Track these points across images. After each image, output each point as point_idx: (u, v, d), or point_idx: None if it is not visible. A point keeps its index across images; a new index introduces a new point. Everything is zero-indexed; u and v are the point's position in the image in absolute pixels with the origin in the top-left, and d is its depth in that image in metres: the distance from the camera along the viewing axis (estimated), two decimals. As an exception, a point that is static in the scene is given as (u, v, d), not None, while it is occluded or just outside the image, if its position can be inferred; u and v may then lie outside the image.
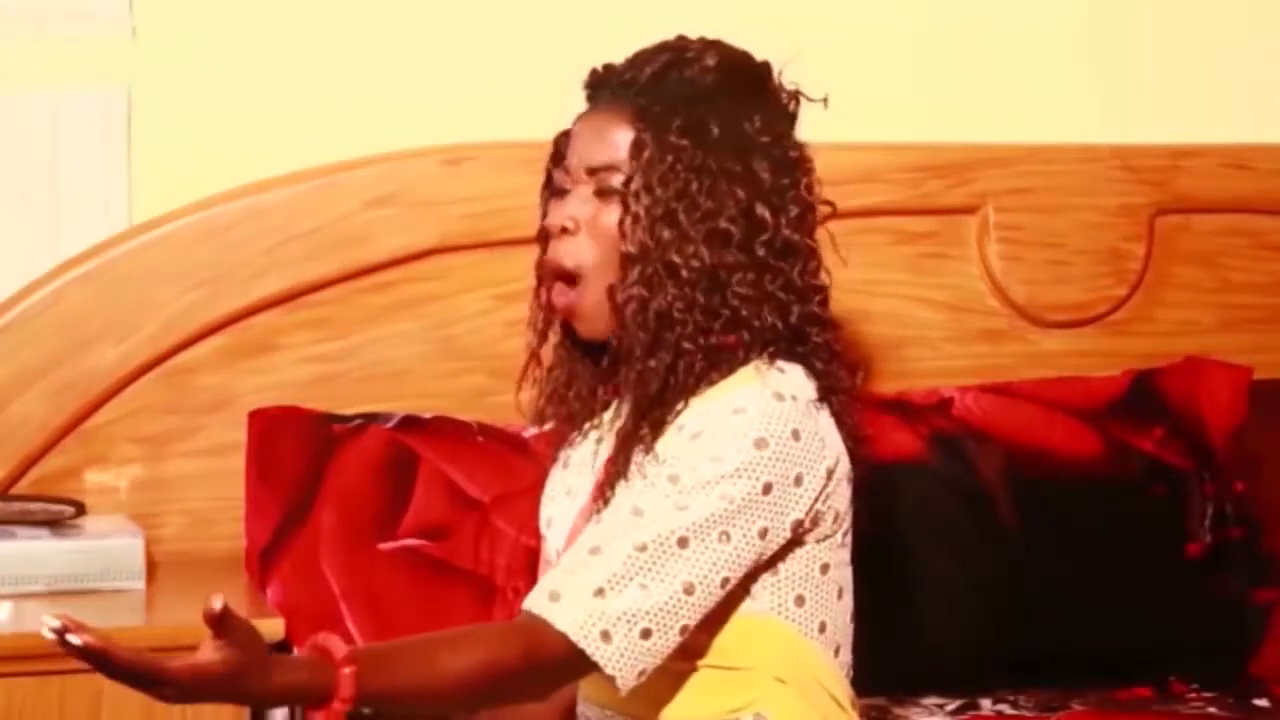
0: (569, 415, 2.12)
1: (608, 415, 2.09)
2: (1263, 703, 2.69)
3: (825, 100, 2.08)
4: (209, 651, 1.71)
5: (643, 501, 1.92)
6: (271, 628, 2.44)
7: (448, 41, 2.96)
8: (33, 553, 2.56)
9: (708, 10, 2.89)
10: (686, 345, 1.97)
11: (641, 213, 1.97)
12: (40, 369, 2.75)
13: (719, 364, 1.98)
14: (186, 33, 2.88)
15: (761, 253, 1.98)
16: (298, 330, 2.83)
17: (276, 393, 2.79)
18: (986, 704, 2.64)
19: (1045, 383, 2.93)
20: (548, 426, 2.18)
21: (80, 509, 2.67)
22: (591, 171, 2.03)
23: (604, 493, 1.99)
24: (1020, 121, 3.14)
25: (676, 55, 2.05)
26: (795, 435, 1.93)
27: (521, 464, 2.69)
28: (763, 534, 1.92)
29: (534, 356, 2.14)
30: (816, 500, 1.95)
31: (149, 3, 2.87)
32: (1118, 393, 2.92)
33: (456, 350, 2.88)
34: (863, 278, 2.98)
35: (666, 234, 1.97)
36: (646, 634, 1.88)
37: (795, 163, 2.03)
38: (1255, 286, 3.18)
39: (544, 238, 2.09)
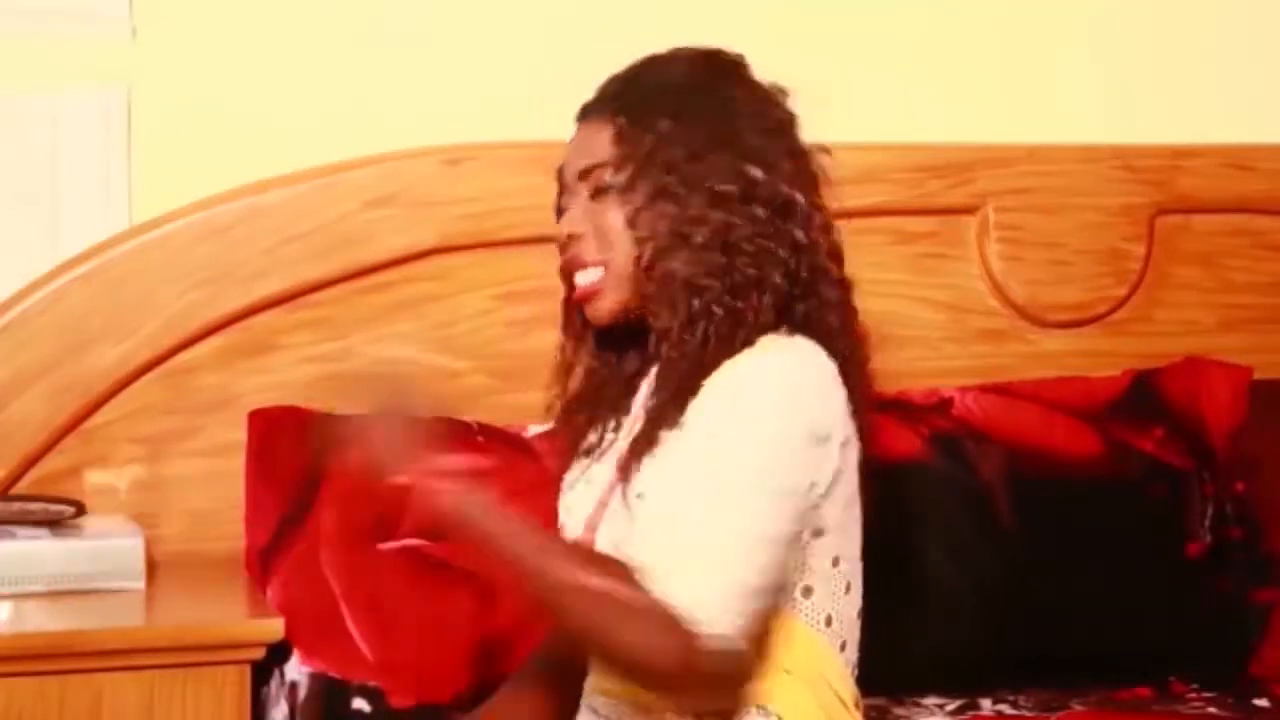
0: (593, 418, 2.13)
1: (635, 404, 2.10)
2: (1263, 703, 2.69)
3: (792, 92, 2.11)
4: None
5: (705, 473, 1.91)
6: (271, 628, 2.44)
7: (448, 41, 2.96)
8: (33, 553, 2.56)
9: (707, 10, 2.90)
10: (716, 309, 1.98)
11: (638, 196, 2.00)
12: (40, 369, 2.75)
13: (744, 331, 1.99)
14: (186, 33, 2.88)
15: (761, 212, 2.00)
16: (298, 330, 2.83)
17: (276, 393, 2.79)
18: (986, 704, 2.64)
19: (1045, 383, 2.93)
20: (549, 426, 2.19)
21: (80, 509, 2.67)
22: (582, 176, 2.06)
23: (629, 467, 1.99)
24: (1020, 121, 3.14)
25: (646, 62, 2.09)
26: (822, 392, 1.96)
27: (522, 464, 2.69)
28: (810, 484, 1.94)
29: (566, 363, 2.17)
30: (839, 460, 1.97)
31: (149, 3, 2.87)
32: (1118, 393, 2.92)
33: (456, 350, 2.88)
34: (863, 278, 2.96)
35: (670, 207, 2.00)
36: (758, 593, 1.90)
37: (781, 124, 2.06)
38: (1255, 286, 3.18)
39: (563, 254, 2.13)
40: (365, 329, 2.85)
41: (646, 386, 2.10)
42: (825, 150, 2.10)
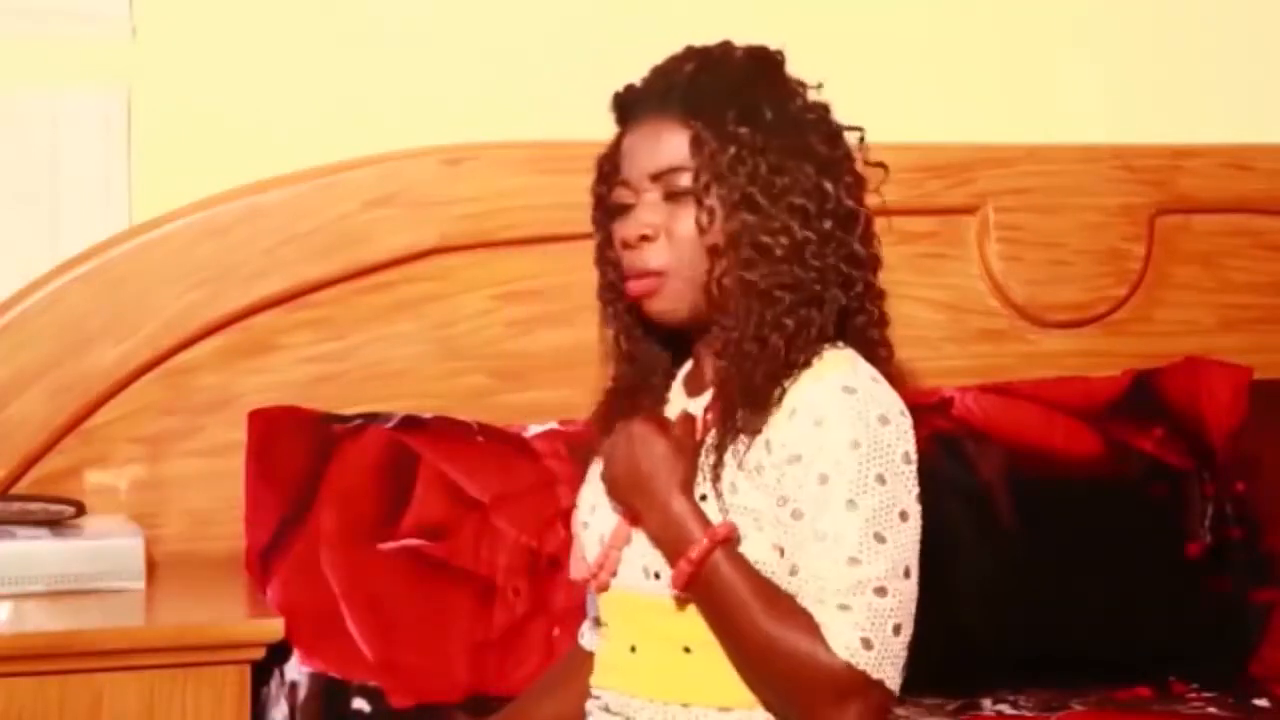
0: (634, 407, 2.14)
1: (671, 403, 2.13)
2: (1263, 703, 2.69)
3: (819, 86, 2.13)
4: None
5: (817, 520, 1.95)
6: (271, 628, 2.44)
7: (448, 41, 2.96)
8: (33, 553, 2.56)
9: (707, 11, 2.90)
10: (787, 321, 2.01)
11: (717, 204, 2.01)
12: (40, 369, 2.75)
13: (808, 343, 2.02)
14: (186, 33, 2.88)
15: (828, 225, 2.03)
16: (298, 330, 2.83)
17: (276, 393, 2.79)
18: (986, 704, 2.64)
19: (1045, 383, 2.93)
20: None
21: (80, 509, 2.66)
22: (656, 177, 2.05)
23: (718, 476, 2.00)
24: (1020, 121, 3.14)
25: (701, 58, 2.09)
26: (902, 413, 2.02)
27: (521, 464, 2.69)
28: (919, 498, 2.00)
29: (622, 352, 2.17)
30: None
31: (149, 3, 2.87)
32: (1118, 393, 2.92)
33: (456, 350, 2.88)
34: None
35: (751, 218, 2.01)
36: (898, 629, 1.96)
37: (840, 133, 2.09)
38: (1255, 286, 3.18)
39: (603, 259, 2.14)
40: (365, 329, 2.85)
41: (679, 388, 2.13)
42: (860, 135, 2.13)
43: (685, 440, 2.03)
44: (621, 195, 2.09)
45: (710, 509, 2.00)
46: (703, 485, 2.01)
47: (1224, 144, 3.18)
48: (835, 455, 1.95)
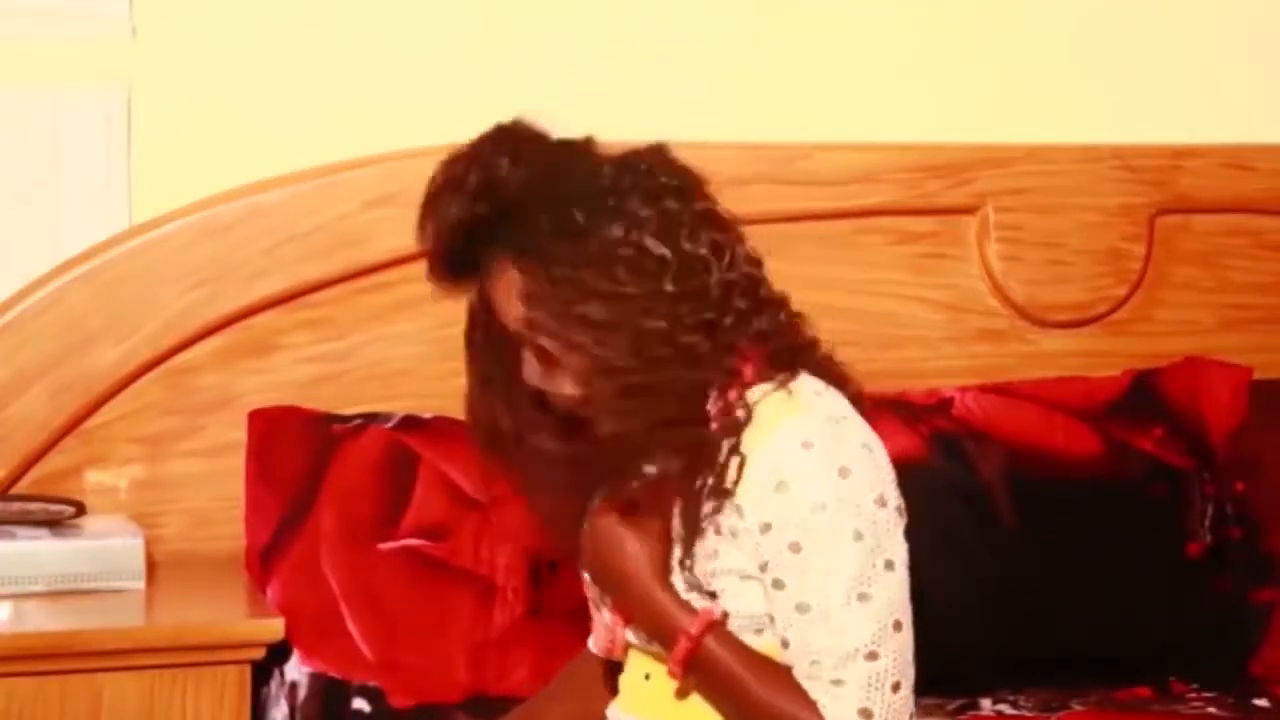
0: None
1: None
2: (1263, 703, 2.69)
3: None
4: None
5: (798, 591, 1.90)
6: (271, 628, 2.45)
7: (447, 41, 2.96)
8: (33, 553, 2.56)
9: (708, 11, 2.90)
10: (674, 411, 1.91)
11: (584, 344, 1.90)
12: (40, 369, 2.75)
13: (704, 403, 1.93)
14: (186, 33, 2.88)
15: (671, 287, 1.89)
16: (298, 330, 2.83)
17: (276, 393, 2.79)
18: (986, 704, 2.64)
19: (1045, 383, 2.93)
20: None
21: (80, 509, 2.67)
22: (518, 333, 1.95)
23: (689, 549, 1.94)
24: (1020, 121, 3.14)
25: (483, 178, 1.96)
26: (865, 447, 1.94)
27: (521, 464, 2.68)
28: (904, 535, 1.96)
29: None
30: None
31: (149, 3, 2.87)
32: (1118, 393, 2.92)
33: (456, 350, 2.85)
34: (863, 278, 2.99)
35: (608, 337, 1.89)
36: (896, 687, 1.94)
37: (664, 189, 1.92)
38: (1255, 286, 3.18)
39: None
40: (365, 329, 2.85)
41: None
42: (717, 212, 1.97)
43: (651, 521, 1.95)
44: (501, 328, 1.99)
45: (679, 582, 1.95)
46: (675, 554, 1.97)
47: (1224, 144, 3.18)
48: (803, 521, 1.89)
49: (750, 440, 1.92)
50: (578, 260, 1.89)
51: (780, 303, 2.00)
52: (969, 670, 2.68)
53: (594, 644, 2.17)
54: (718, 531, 1.94)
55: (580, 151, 1.97)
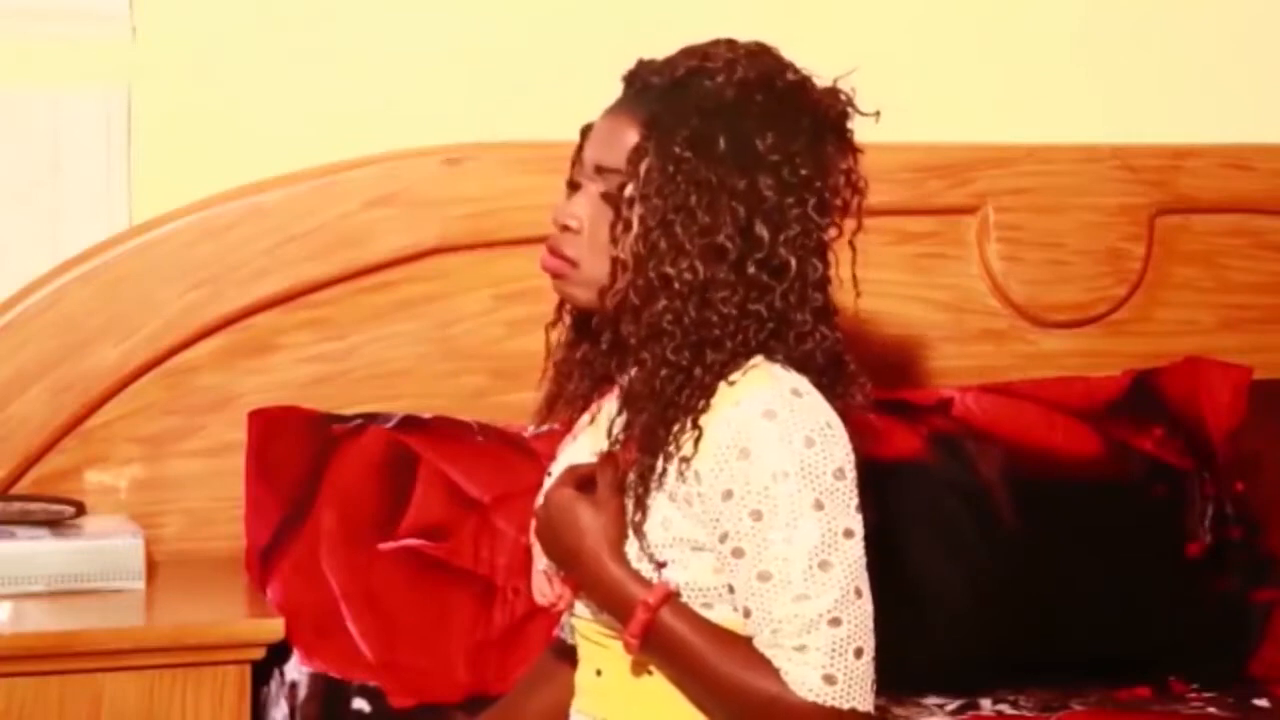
0: (573, 397, 2.12)
1: (601, 417, 2.07)
2: (1262, 703, 2.69)
3: (877, 115, 2.10)
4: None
5: (758, 560, 1.90)
6: (271, 628, 2.45)
7: (448, 42, 2.96)
8: (33, 553, 2.56)
9: (709, 11, 2.90)
10: (671, 358, 1.95)
11: (635, 222, 1.96)
12: (40, 369, 2.75)
13: (700, 387, 1.95)
14: (186, 33, 2.88)
15: (752, 270, 1.96)
16: (298, 330, 2.83)
17: (276, 393, 2.79)
18: (986, 704, 2.64)
19: (1045, 383, 2.93)
20: (545, 428, 2.18)
21: (80, 509, 2.67)
22: (599, 170, 2.02)
23: (642, 503, 1.96)
24: (1020, 121, 3.14)
25: (700, 65, 2.01)
26: (829, 425, 1.95)
27: (521, 464, 2.69)
28: (859, 508, 1.94)
29: (549, 348, 2.15)
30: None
31: (149, 3, 2.87)
32: (1118, 393, 2.92)
33: (456, 350, 2.88)
34: (863, 277, 2.97)
35: (662, 244, 1.95)
36: (859, 653, 1.90)
37: (804, 182, 1.99)
38: (1255, 286, 3.18)
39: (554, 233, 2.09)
40: (365, 329, 2.85)
41: (607, 406, 2.06)
42: (857, 152, 2.09)
43: (605, 496, 1.98)
44: (575, 173, 2.07)
45: (631, 550, 1.96)
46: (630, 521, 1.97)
47: (1224, 144, 3.18)
48: (764, 489, 1.90)
49: (716, 409, 1.94)
50: (730, 163, 1.95)
51: (830, 315, 2.05)
52: (969, 670, 2.68)
53: (536, 595, 2.12)
54: (671, 499, 1.95)
55: (795, 109, 2.03)
